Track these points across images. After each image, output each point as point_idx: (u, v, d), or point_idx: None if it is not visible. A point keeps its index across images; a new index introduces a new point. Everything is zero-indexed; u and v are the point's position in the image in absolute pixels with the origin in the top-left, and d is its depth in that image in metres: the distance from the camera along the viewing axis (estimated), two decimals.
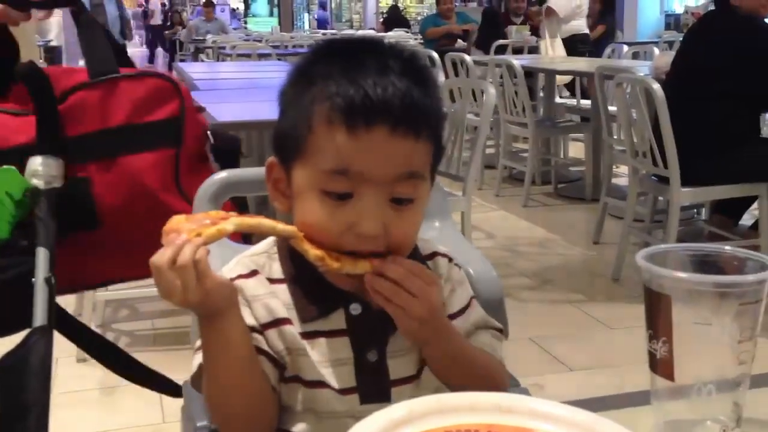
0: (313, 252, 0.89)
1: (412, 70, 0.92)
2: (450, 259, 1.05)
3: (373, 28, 16.60)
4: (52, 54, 13.20)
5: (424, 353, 0.97)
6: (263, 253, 1.00)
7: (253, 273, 0.97)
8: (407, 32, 12.40)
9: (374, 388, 0.96)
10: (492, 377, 0.99)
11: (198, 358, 0.93)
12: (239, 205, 1.31)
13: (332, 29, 20.21)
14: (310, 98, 0.91)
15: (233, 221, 0.87)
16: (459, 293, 1.03)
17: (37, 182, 1.34)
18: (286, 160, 0.95)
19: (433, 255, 1.04)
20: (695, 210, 4.64)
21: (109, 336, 3.16)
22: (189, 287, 0.83)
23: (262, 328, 0.95)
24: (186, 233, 0.84)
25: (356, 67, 0.89)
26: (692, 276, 0.75)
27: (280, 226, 0.89)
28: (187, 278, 0.83)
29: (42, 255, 1.27)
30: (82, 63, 5.19)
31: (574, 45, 7.43)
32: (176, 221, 0.86)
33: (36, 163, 1.35)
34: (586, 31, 7.70)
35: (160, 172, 1.43)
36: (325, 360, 0.95)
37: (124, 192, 1.41)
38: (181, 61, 9.42)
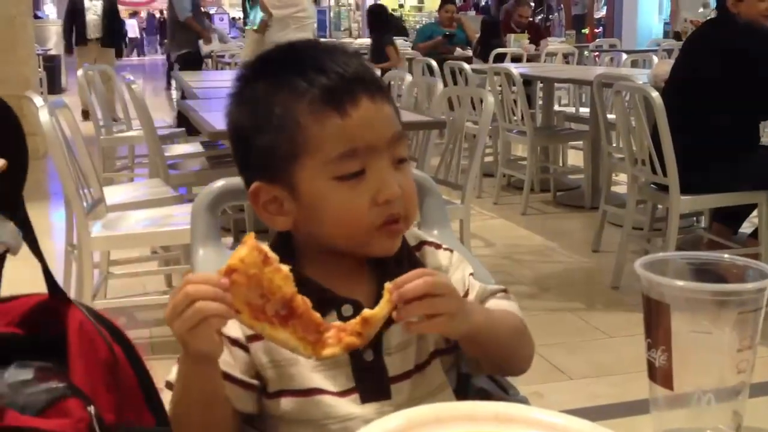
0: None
1: (347, 50, 1.00)
2: (437, 246, 1.06)
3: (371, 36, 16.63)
4: (52, 63, 13.23)
5: (463, 342, 0.97)
6: None
7: None
8: (406, 41, 12.41)
9: (373, 386, 0.96)
10: (522, 332, 1.03)
11: (173, 372, 0.93)
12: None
13: (331, 38, 20.23)
14: (284, 105, 0.93)
15: (267, 331, 0.83)
16: (456, 277, 1.04)
17: None
18: (278, 174, 0.95)
19: (421, 245, 1.05)
20: (695, 218, 4.64)
21: None
22: (197, 331, 0.82)
23: (248, 341, 0.95)
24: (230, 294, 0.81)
25: (307, 61, 0.95)
26: (691, 284, 0.75)
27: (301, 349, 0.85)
28: (200, 324, 0.81)
29: None
30: (80, 73, 5.14)
31: None
32: (244, 272, 0.82)
33: None
34: None
35: None
36: (319, 365, 0.95)
37: None
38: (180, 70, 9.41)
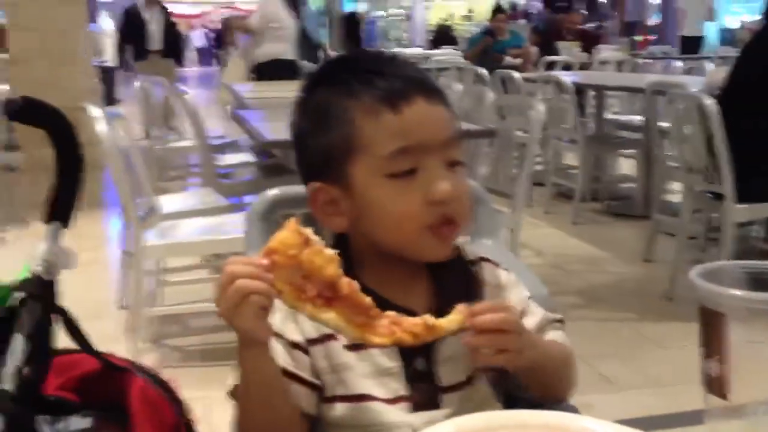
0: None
1: (403, 60, 1.03)
2: (496, 265, 1.05)
3: (421, 46, 16.62)
4: (108, 75, 13.50)
5: (521, 372, 0.98)
6: None
7: None
8: (455, 50, 12.40)
9: (424, 396, 0.97)
10: (570, 365, 1.04)
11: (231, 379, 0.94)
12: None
13: (380, 48, 20.29)
14: (343, 106, 0.96)
15: (309, 310, 0.84)
16: (514, 298, 1.04)
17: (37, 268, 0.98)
18: (336, 173, 0.97)
19: (479, 260, 1.05)
20: (751, 227, 4.54)
21: (160, 351, 3.20)
22: (243, 309, 0.83)
23: (308, 344, 0.96)
24: (274, 275, 0.82)
25: (366, 68, 0.97)
26: (748, 294, 0.74)
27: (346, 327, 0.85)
28: (247, 302, 0.83)
29: (18, 343, 0.90)
30: (137, 84, 5.24)
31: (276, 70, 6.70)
32: (288, 252, 0.83)
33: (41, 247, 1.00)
34: (290, 57, 6.94)
35: None
36: (371, 371, 0.96)
37: None
38: None
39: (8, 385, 0.85)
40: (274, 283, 0.83)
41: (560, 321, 1.07)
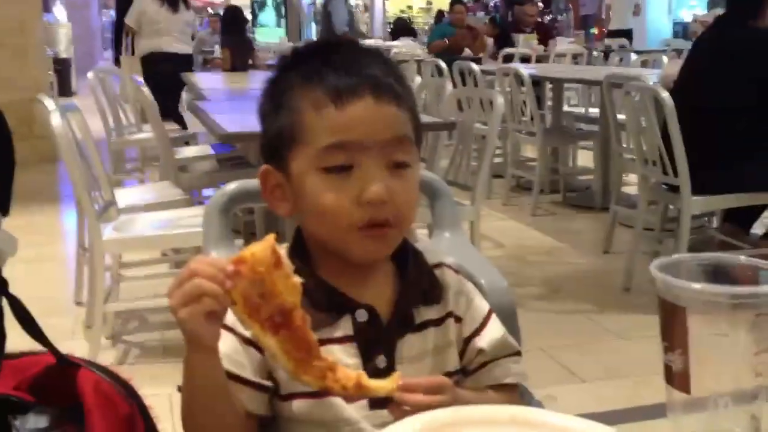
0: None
1: (376, 53, 1.01)
2: (456, 271, 1.05)
3: (381, 38, 16.63)
4: (62, 66, 13.28)
5: None
6: None
7: None
8: (414, 41, 12.40)
9: (394, 374, 0.96)
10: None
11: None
12: None
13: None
14: (294, 95, 0.96)
15: (255, 330, 0.83)
16: (475, 307, 1.04)
17: None
18: (281, 160, 0.98)
19: (440, 265, 1.05)
20: (706, 218, 4.62)
21: (119, 347, 3.16)
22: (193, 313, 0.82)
23: None
24: (233, 286, 0.81)
25: (329, 59, 0.96)
26: (708, 287, 0.74)
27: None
28: (197, 307, 0.82)
29: None
30: (90, 75, 5.17)
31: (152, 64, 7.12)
32: (251, 268, 0.81)
33: None
34: (171, 50, 7.21)
35: None
36: None
37: None
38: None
39: None
40: (231, 292, 0.82)
41: (518, 354, 1.06)
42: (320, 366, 0.84)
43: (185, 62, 7.15)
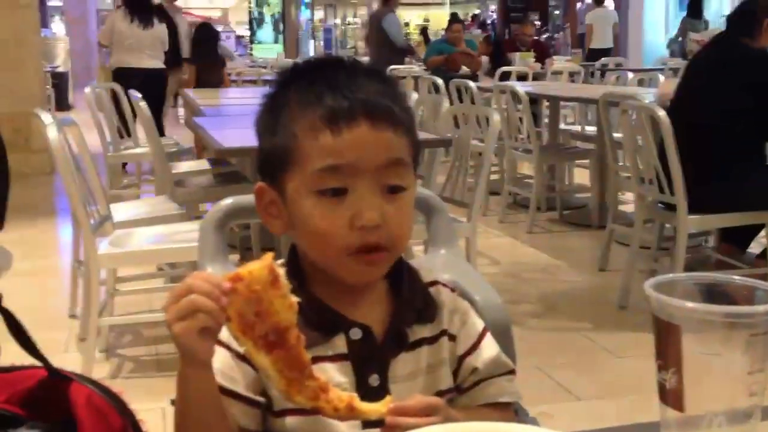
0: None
1: (376, 73, 1.00)
2: (452, 290, 1.05)
3: None
4: (59, 80, 13.30)
5: None
6: None
7: None
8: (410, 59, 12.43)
9: (386, 398, 0.96)
10: None
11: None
12: None
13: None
14: (290, 115, 0.96)
15: (248, 347, 0.83)
16: (469, 325, 1.04)
17: None
18: (275, 179, 0.98)
19: (435, 283, 1.05)
20: (703, 237, 4.63)
21: (113, 361, 3.15)
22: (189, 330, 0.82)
23: None
24: (229, 305, 0.81)
25: (327, 79, 0.96)
26: (702, 306, 0.74)
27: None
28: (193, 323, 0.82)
29: None
30: (87, 90, 5.18)
31: None
32: (247, 286, 0.82)
33: None
34: (142, 65, 7.17)
35: None
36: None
37: None
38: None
39: None
40: (226, 308, 0.82)
41: (512, 372, 1.05)
42: (312, 386, 0.84)
43: (156, 77, 7.20)
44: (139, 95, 4.45)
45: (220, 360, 0.92)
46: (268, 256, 0.83)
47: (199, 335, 0.82)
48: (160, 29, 7.28)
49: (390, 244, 0.94)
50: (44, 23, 12.87)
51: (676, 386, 0.74)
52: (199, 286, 0.81)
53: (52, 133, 2.85)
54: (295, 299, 0.83)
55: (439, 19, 22.99)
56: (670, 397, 0.75)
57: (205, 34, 8.33)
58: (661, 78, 6.59)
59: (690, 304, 0.74)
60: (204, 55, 8.00)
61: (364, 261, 0.93)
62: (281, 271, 0.83)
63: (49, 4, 18.33)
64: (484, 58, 8.92)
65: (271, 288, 0.82)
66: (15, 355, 0.98)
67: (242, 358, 0.94)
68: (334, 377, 0.95)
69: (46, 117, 2.96)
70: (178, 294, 0.82)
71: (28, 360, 0.99)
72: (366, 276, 0.96)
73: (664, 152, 3.32)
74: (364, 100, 0.94)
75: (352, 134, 0.92)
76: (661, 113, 3.30)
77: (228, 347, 0.93)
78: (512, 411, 1.06)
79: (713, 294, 0.80)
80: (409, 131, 0.98)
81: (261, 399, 0.95)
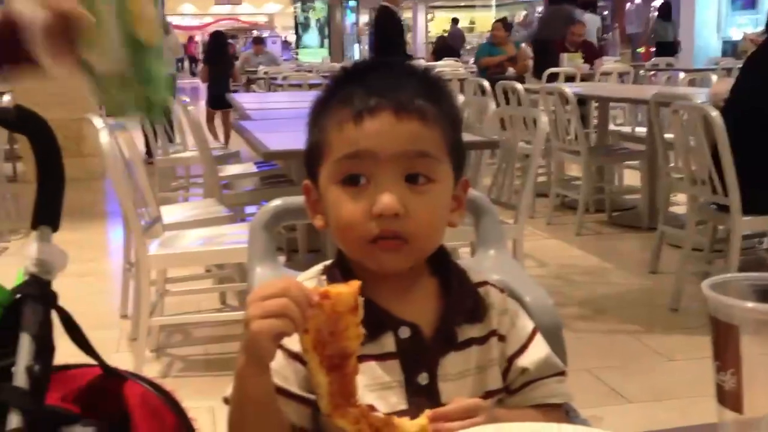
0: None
1: (418, 74, 1.00)
2: (501, 290, 1.04)
3: (423, 58, 16.67)
4: None
5: None
6: (313, 278, 1.01)
7: None
8: (457, 61, 12.41)
9: (423, 411, 0.95)
10: None
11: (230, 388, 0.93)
12: None
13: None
14: (325, 115, 0.98)
15: (313, 363, 0.85)
16: (519, 326, 1.03)
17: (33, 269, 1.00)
18: (314, 175, 0.99)
19: (484, 283, 1.04)
20: (757, 239, 4.53)
21: (163, 361, 3.19)
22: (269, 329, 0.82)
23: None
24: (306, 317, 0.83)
25: (365, 81, 0.97)
26: (761, 306, 0.73)
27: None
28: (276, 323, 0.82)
29: (26, 342, 0.94)
30: None
31: None
32: (335, 303, 0.84)
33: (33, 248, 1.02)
34: None
35: None
36: (373, 384, 0.95)
37: None
38: (234, 91, 9.60)
39: (22, 383, 0.88)
40: (308, 320, 0.83)
41: (562, 373, 1.04)
42: (354, 413, 0.86)
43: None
44: (188, 99, 4.51)
45: (275, 359, 0.93)
46: (356, 283, 0.85)
47: (273, 338, 0.83)
48: (170, 39, 8.35)
49: (410, 236, 0.93)
50: None
51: (735, 387, 0.73)
52: (293, 294, 0.82)
53: (103, 137, 2.90)
54: (363, 331, 0.85)
55: (484, 21, 22.94)
56: (729, 398, 0.73)
57: (216, 42, 10.36)
58: (714, 78, 6.47)
59: (748, 304, 0.73)
60: (215, 58, 9.98)
61: (384, 249, 0.93)
62: (361, 301, 0.85)
63: None
64: (530, 62, 8.87)
65: (350, 313, 0.84)
66: (69, 355, 0.99)
67: (294, 356, 0.94)
68: (381, 376, 0.95)
69: (98, 122, 3.01)
70: (269, 294, 0.82)
71: (80, 358, 1.00)
72: (387, 264, 0.95)
73: (716, 152, 3.26)
74: (394, 93, 0.94)
75: (374, 123, 0.93)
76: (714, 113, 3.24)
77: (281, 346, 0.94)
78: (563, 412, 1.04)
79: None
80: (447, 129, 0.97)
81: (312, 396, 0.95)
